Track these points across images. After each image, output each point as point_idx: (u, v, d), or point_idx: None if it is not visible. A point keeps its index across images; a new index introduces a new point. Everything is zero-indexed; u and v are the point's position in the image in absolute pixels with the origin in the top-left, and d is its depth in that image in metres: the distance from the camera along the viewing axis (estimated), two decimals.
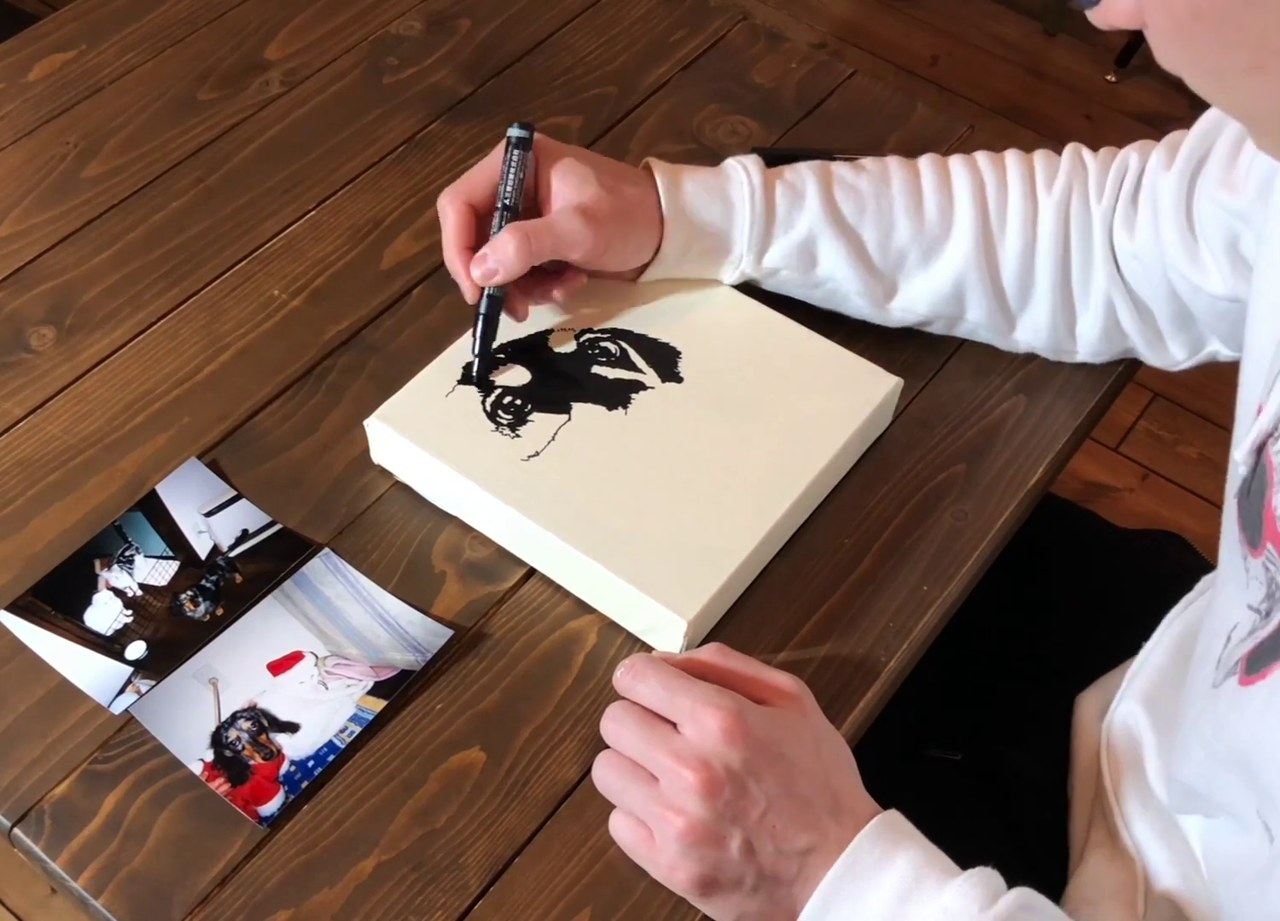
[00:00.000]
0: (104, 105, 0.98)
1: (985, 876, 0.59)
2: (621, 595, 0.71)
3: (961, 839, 0.61)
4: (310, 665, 0.71)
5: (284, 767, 0.67)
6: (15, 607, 0.72)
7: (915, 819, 0.62)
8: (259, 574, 0.74)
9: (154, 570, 0.74)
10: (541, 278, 0.79)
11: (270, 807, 0.66)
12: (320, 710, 0.69)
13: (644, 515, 0.72)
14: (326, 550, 0.75)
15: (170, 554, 0.75)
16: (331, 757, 0.68)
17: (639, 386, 0.78)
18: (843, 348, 0.81)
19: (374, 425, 0.76)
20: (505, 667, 0.72)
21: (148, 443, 0.80)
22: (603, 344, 0.80)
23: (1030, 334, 0.82)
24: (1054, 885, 0.75)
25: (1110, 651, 0.83)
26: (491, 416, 0.76)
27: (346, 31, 1.04)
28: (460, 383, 0.77)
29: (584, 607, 0.74)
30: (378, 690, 0.70)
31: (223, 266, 0.89)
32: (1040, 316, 0.81)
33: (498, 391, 0.77)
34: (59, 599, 0.73)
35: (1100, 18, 0.50)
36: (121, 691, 0.69)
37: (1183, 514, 1.77)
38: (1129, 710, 0.77)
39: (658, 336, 0.80)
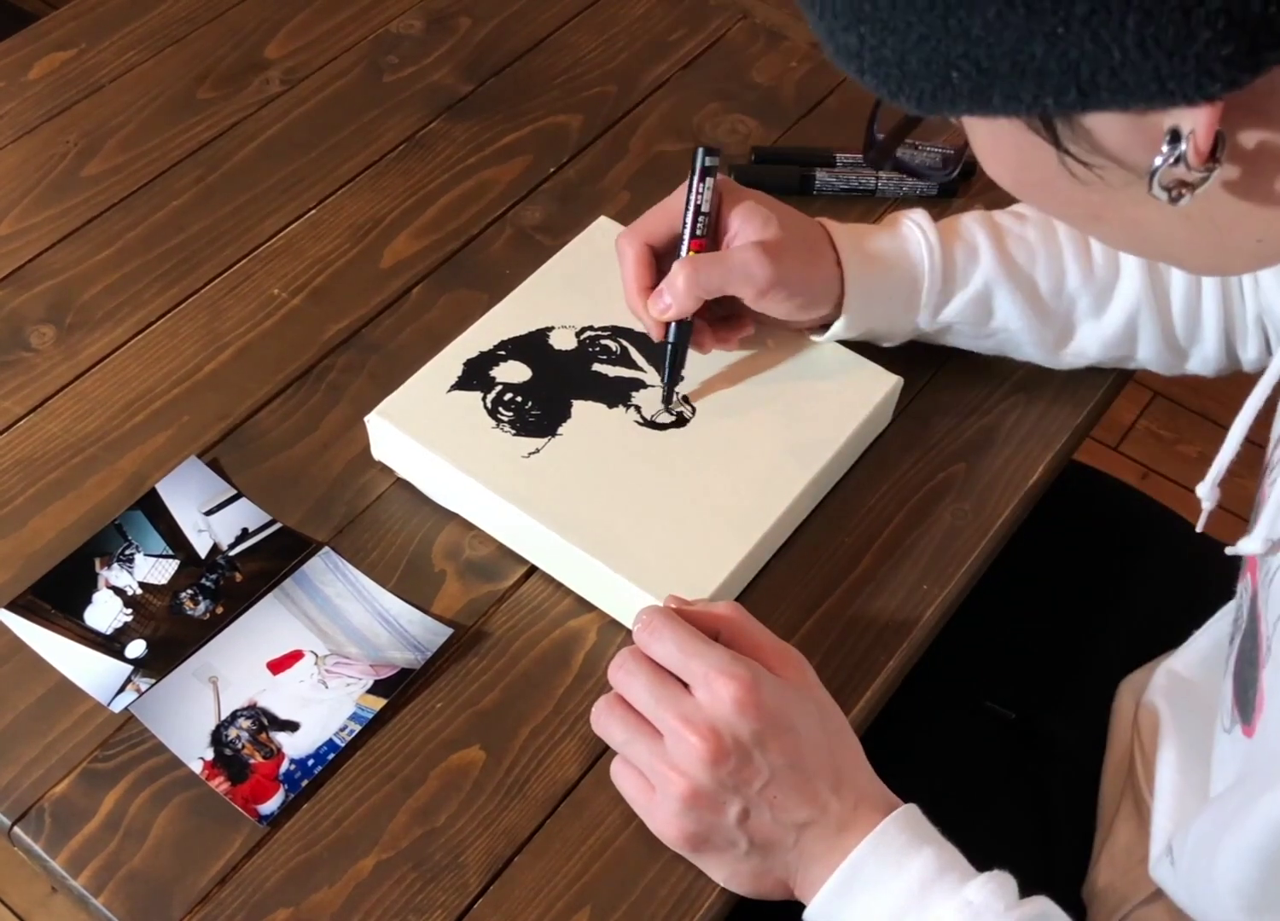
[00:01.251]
0: (104, 104, 0.98)
1: (1005, 878, 0.59)
2: (622, 592, 0.71)
3: (993, 797, 0.62)
4: (310, 664, 0.71)
5: (284, 766, 0.67)
6: (15, 606, 0.72)
7: (952, 767, 0.63)
8: (259, 572, 0.74)
9: (154, 569, 0.74)
10: (727, 318, 0.78)
11: (270, 806, 0.66)
12: (320, 709, 0.69)
13: (644, 512, 0.72)
14: (326, 549, 0.75)
15: (170, 552, 0.75)
16: (331, 756, 0.67)
17: (639, 384, 0.78)
18: (843, 346, 0.81)
19: (375, 421, 0.76)
20: (505, 666, 0.72)
21: (148, 441, 0.80)
22: (603, 341, 0.80)
23: (1199, 365, 0.82)
24: (1074, 854, 0.75)
25: (1164, 636, 0.83)
26: (492, 413, 0.76)
27: (346, 30, 1.04)
28: (661, 408, 0.77)
29: (584, 606, 0.74)
30: (377, 689, 0.70)
31: (223, 265, 0.89)
32: (1209, 348, 0.80)
33: (498, 388, 0.77)
34: (59, 597, 0.73)
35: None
36: (121, 690, 0.69)
37: (1184, 513, 1.77)
38: (1154, 701, 0.77)
39: None
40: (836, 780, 0.61)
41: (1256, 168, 0.42)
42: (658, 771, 0.61)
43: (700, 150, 0.75)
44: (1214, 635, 0.79)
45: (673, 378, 0.76)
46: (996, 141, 0.46)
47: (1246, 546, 0.61)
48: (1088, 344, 0.80)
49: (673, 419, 0.77)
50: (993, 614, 0.88)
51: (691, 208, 0.75)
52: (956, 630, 0.77)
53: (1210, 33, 0.35)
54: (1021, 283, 0.78)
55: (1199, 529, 0.69)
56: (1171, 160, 0.40)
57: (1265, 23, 0.35)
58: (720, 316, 0.78)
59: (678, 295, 0.74)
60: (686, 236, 0.75)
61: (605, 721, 0.64)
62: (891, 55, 0.40)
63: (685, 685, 0.62)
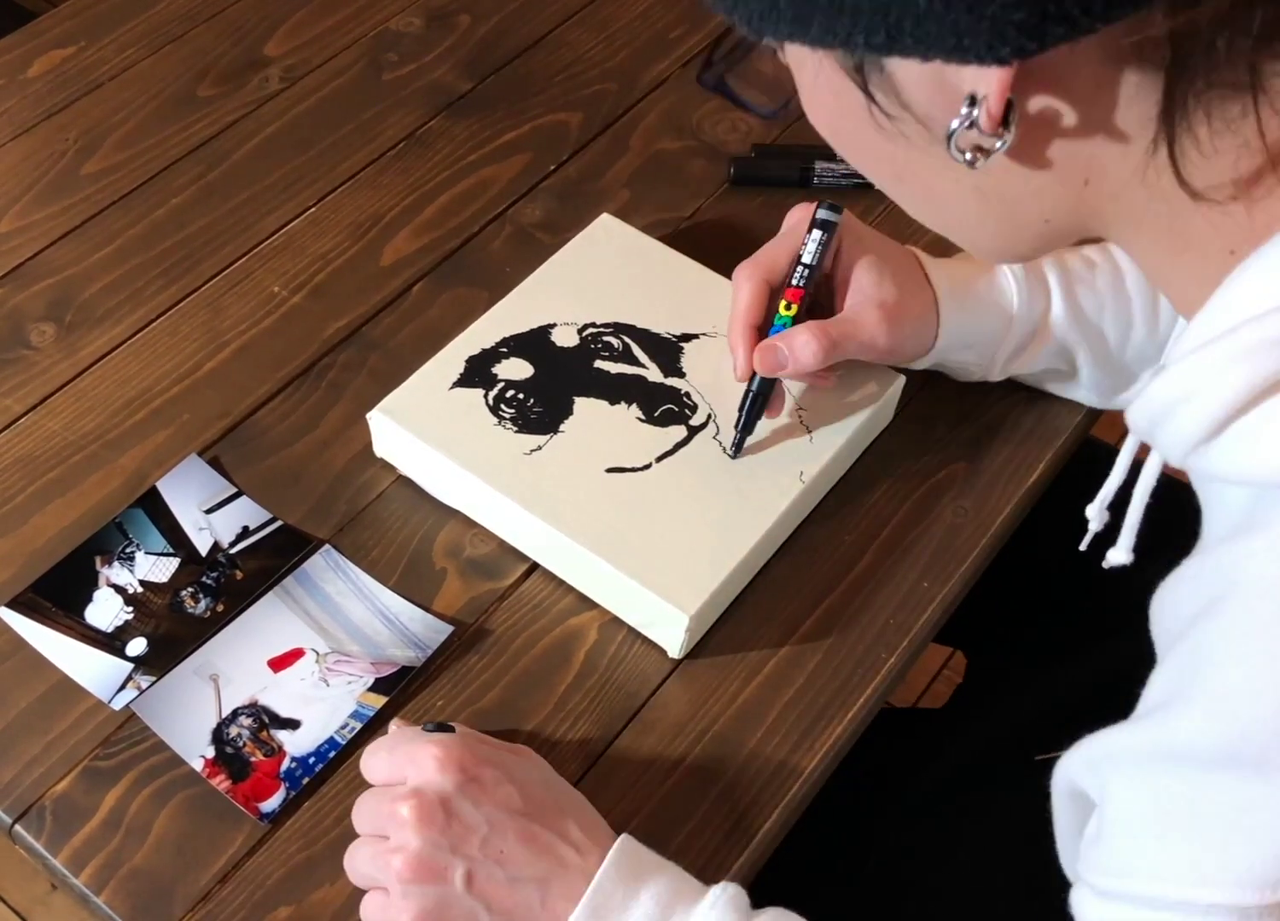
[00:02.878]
0: (104, 101, 0.98)
1: (732, 894, 0.58)
2: (623, 590, 0.71)
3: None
4: (311, 662, 0.71)
5: (285, 764, 0.67)
6: (16, 604, 0.72)
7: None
8: (259, 570, 0.74)
9: (155, 567, 0.74)
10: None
11: (271, 804, 0.66)
12: (321, 707, 0.69)
13: (645, 510, 0.72)
14: (327, 546, 0.75)
15: (171, 551, 0.75)
16: (333, 754, 0.67)
17: (641, 381, 0.78)
18: None
19: (377, 418, 0.76)
20: (506, 664, 0.72)
21: (148, 439, 0.79)
22: (605, 338, 0.80)
23: None
24: None
25: None
26: (494, 410, 0.76)
27: (346, 28, 1.04)
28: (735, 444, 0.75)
29: (585, 604, 0.74)
30: (378, 686, 0.70)
31: (223, 263, 0.89)
32: None
33: (500, 385, 0.77)
34: (60, 595, 0.73)
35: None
36: (122, 688, 0.69)
37: None
38: None
39: (660, 331, 0.80)
40: (570, 835, 0.59)
41: (1041, 137, 0.44)
42: (381, 865, 0.58)
43: (820, 204, 0.74)
44: None
45: (749, 426, 0.75)
46: (815, 81, 0.47)
47: (1116, 557, 0.62)
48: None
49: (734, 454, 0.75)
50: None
51: (796, 258, 0.74)
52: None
53: None
54: (1089, 335, 0.77)
55: (1081, 548, 0.68)
56: (968, 123, 0.42)
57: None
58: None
59: (804, 362, 0.72)
60: (784, 284, 0.74)
61: (351, 862, 0.61)
62: None
63: None
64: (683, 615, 0.69)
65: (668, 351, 0.79)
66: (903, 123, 0.45)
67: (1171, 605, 0.50)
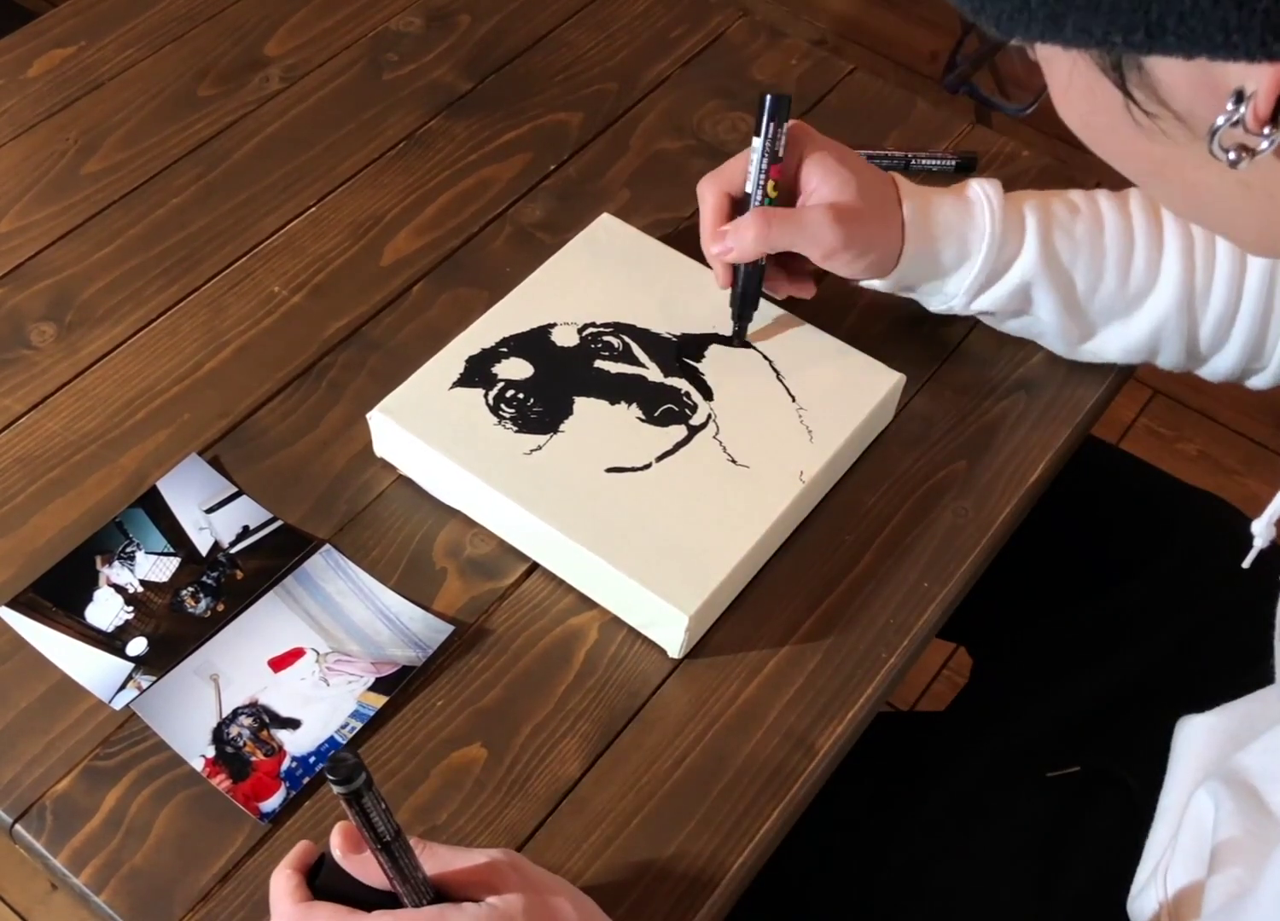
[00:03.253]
0: (104, 101, 0.98)
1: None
2: (623, 590, 0.71)
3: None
4: (311, 661, 0.71)
5: (285, 764, 0.67)
6: (16, 604, 0.72)
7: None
8: (260, 570, 0.74)
9: (155, 566, 0.74)
10: (783, 269, 0.80)
11: (272, 804, 0.66)
12: (321, 706, 0.69)
13: (646, 509, 0.72)
14: (327, 546, 0.75)
15: (171, 550, 0.75)
16: (333, 753, 0.67)
17: (641, 381, 0.78)
18: (845, 344, 0.81)
19: (377, 418, 0.76)
20: (506, 664, 0.72)
21: (148, 439, 0.79)
22: (605, 338, 0.80)
23: (1210, 373, 0.82)
24: None
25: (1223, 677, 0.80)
26: (494, 410, 0.76)
27: (346, 28, 1.04)
28: (730, 335, 0.80)
29: (585, 604, 0.74)
30: (379, 686, 0.70)
31: (223, 263, 0.89)
32: (1227, 361, 0.80)
33: (500, 385, 0.77)
34: (60, 595, 0.73)
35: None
36: (122, 687, 0.69)
37: None
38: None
39: (660, 331, 0.80)
40: None
41: None
42: None
43: (767, 96, 0.76)
44: None
45: (743, 314, 0.79)
46: (1070, 79, 0.45)
47: None
48: (1109, 345, 0.81)
49: (740, 344, 0.79)
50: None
51: (762, 153, 0.76)
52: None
53: None
54: (1058, 280, 0.78)
55: (1245, 565, 0.68)
56: (1233, 121, 0.40)
57: None
58: (784, 263, 0.80)
59: (743, 243, 0.75)
60: (755, 174, 0.76)
61: None
62: None
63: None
64: (683, 615, 0.69)
65: (667, 351, 0.79)
66: (1162, 119, 0.43)
67: None
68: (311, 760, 0.67)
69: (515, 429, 0.75)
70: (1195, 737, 0.74)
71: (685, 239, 0.88)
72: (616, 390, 0.78)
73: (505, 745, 0.69)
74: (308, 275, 0.88)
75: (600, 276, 0.83)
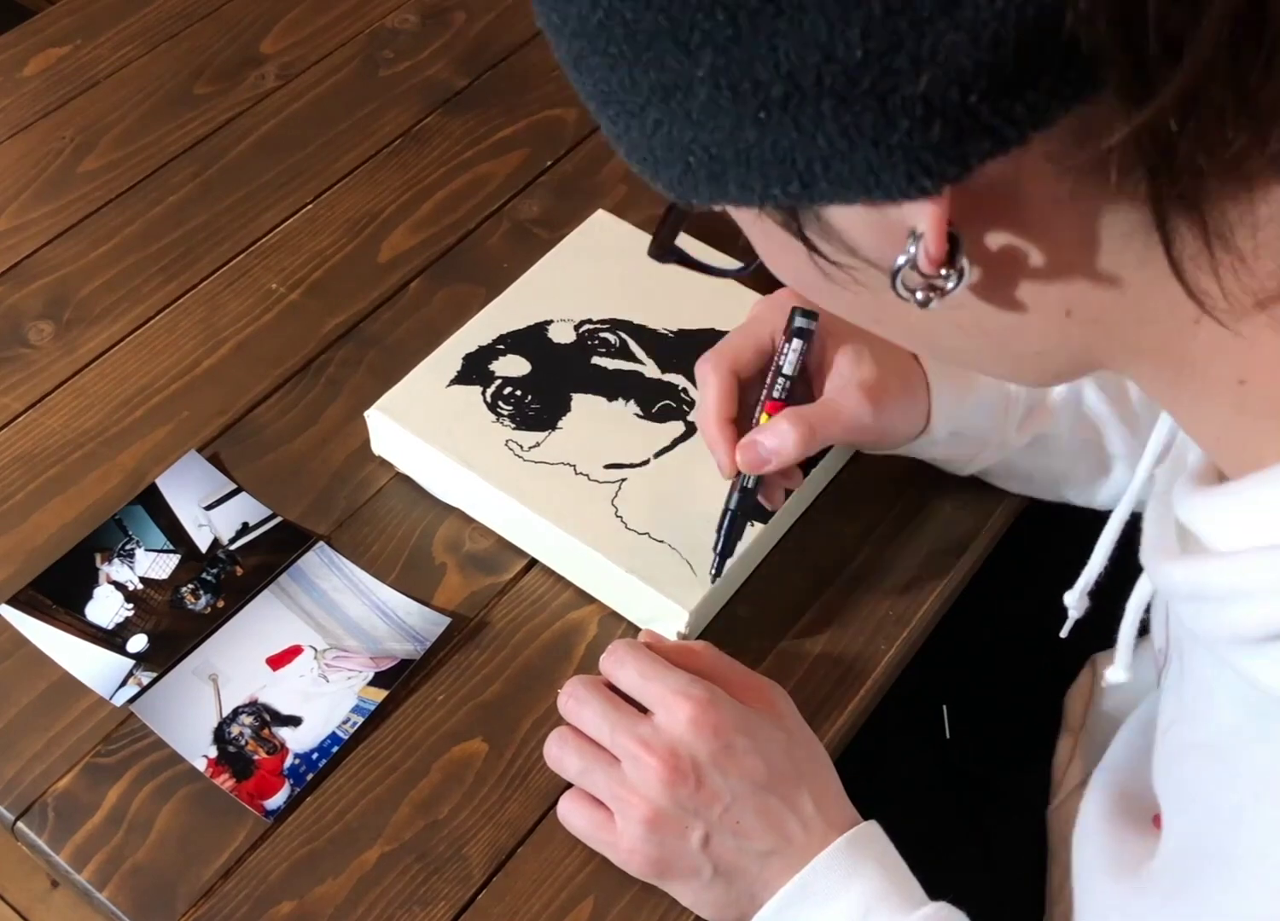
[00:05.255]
0: (100, 100, 0.98)
1: (949, 913, 0.58)
2: (622, 585, 0.71)
3: (945, 850, 0.60)
4: (309, 658, 0.71)
5: (288, 761, 0.67)
6: (16, 601, 0.72)
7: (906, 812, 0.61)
8: (260, 566, 0.74)
9: (155, 563, 0.74)
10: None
11: (276, 801, 0.66)
12: (322, 703, 0.69)
13: (645, 506, 0.73)
14: (321, 543, 0.75)
15: (171, 547, 0.75)
16: (335, 749, 0.68)
17: (639, 377, 0.78)
18: None
19: (375, 416, 0.76)
20: (506, 658, 0.72)
21: (147, 436, 0.80)
22: (602, 334, 0.80)
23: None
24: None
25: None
26: (492, 407, 0.76)
27: (341, 25, 1.04)
28: (712, 573, 0.70)
29: (585, 598, 0.74)
30: (378, 680, 0.70)
31: (220, 260, 0.89)
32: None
33: (497, 382, 0.77)
34: (60, 592, 0.73)
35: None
36: (123, 684, 0.70)
37: None
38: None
39: (657, 327, 0.81)
40: (804, 811, 0.60)
41: (1000, 273, 0.39)
42: (618, 796, 0.61)
43: (795, 311, 0.69)
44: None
45: (729, 546, 0.70)
46: (764, 239, 0.44)
47: (1114, 676, 0.60)
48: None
49: (714, 576, 0.70)
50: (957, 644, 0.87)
51: (774, 368, 0.69)
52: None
53: (909, 121, 0.33)
54: (1107, 383, 0.73)
55: (1062, 635, 0.67)
56: (912, 263, 0.38)
57: (967, 111, 0.32)
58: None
59: (786, 453, 0.67)
60: (764, 397, 0.69)
61: (559, 753, 0.63)
62: (638, 138, 0.38)
63: (643, 711, 0.62)
64: (682, 610, 0.69)
65: (665, 347, 0.80)
66: (855, 269, 0.41)
67: (1178, 772, 0.50)
68: (314, 756, 0.67)
69: (513, 426, 0.75)
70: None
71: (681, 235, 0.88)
72: (614, 386, 0.78)
73: (506, 739, 0.69)
74: (305, 272, 0.88)
75: (597, 273, 0.83)
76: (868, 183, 0.35)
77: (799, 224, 0.40)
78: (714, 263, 0.60)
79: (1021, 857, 0.78)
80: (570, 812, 0.64)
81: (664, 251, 0.58)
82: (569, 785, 0.66)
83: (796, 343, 0.68)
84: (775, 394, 0.69)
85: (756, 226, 0.43)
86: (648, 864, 0.61)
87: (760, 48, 0.33)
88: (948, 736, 0.83)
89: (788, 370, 0.69)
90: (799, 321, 0.68)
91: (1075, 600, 0.64)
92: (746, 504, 0.70)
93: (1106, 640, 0.82)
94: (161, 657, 0.71)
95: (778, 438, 0.67)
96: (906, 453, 0.74)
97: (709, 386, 0.70)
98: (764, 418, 0.69)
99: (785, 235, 0.41)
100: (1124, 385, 0.73)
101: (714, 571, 0.70)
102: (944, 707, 0.84)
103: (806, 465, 0.75)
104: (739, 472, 0.69)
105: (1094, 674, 0.82)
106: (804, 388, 0.71)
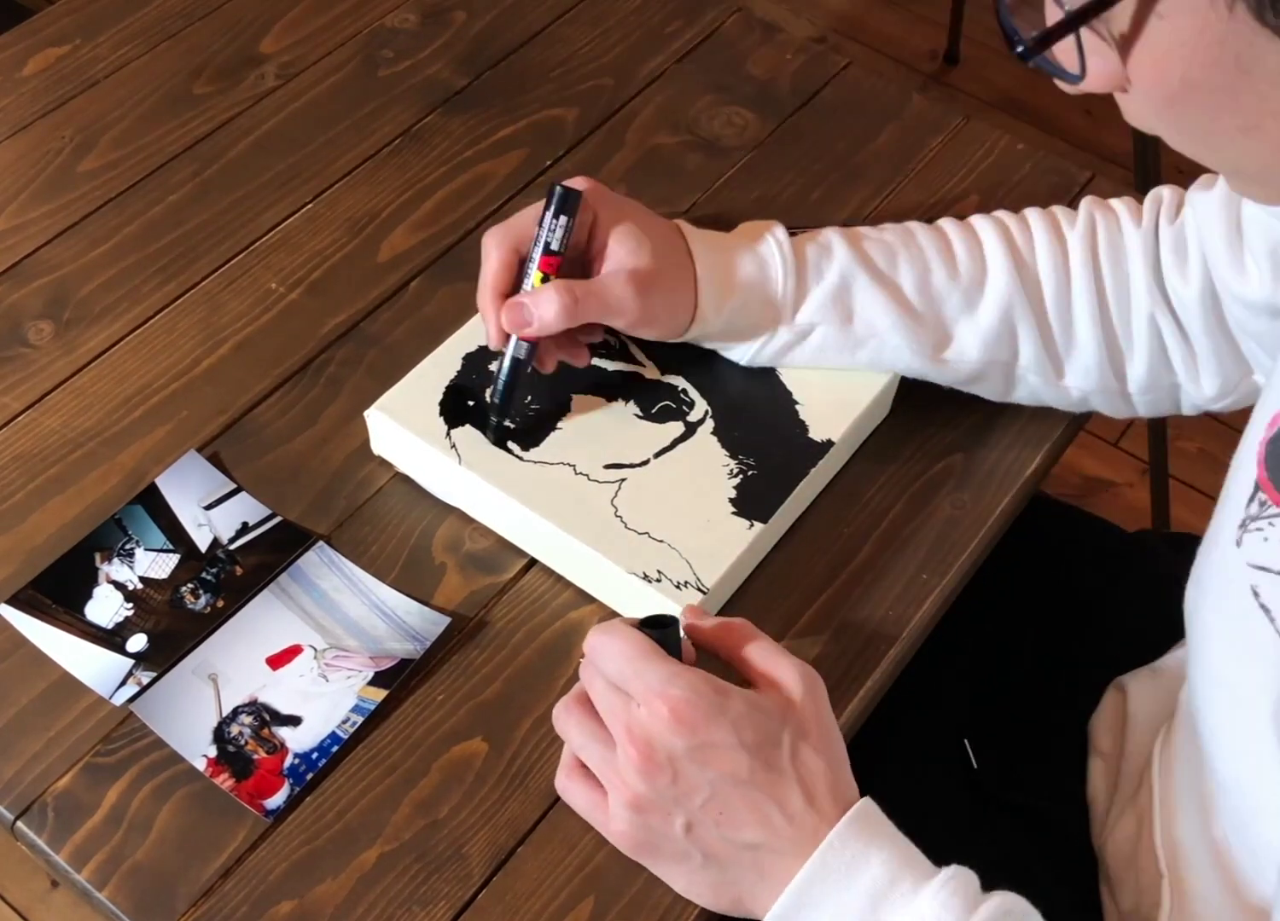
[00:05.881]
0: (100, 99, 0.98)
1: (962, 880, 0.58)
2: (623, 586, 0.71)
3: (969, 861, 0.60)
4: (309, 658, 0.71)
5: (288, 761, 0.67)
6: (16, 601, 0.72)
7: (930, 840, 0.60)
8: (259, 566, 0.74)
9: (154, 563, 0.74)
10: (568, 337, 0.75)
11: (276, 801, 0.66)
12: (321, 702, 0.69)
13: (645, 506, 0.73)
14: (321, 543, 0.75)
15: (170, 547, 0.75)
16: (335, 749, 0.68)
17: (638, 378, 0.78)
18: None
19: (374, 416, 0.76)
20: (506, 658, 0.72)
21: (147, 436, 0.80)
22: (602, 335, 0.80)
23: (1081, 377, 0.79)
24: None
25: (1122, 662, 0.83)
26: (492, 407, 0.76)
27: (341, 24, 1.04)
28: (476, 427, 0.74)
29: (585, 598, 0.74)
30: (378, 680, 0.70)
31: (220, 260, 0.89)
32: (1088, 356, 0.77)
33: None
34: (59, 592, 0.73)
35: (1073, 86, 0.51)
36: (123, 684, 0.70)
37: (1183, 509, 1.77)
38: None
39: None
40: (790, 806, 0.59)
41: None
42: (607, 777, 0.61)
43: (555, 185, 0.72)
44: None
45: (508, 399, 0.74)
46: (1193, 32, 0.46)
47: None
48: (967, 344, 0.77)
49: (493, 439, 0.74)
50: (969, 653, 0.87)
51: (542, 243, 0.72)
52: (939, 666, 0.76)
53: None
54: (880, 278, 0.76)
55: None
56: None
57: None
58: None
59: (547, 319, 0.71)
60: (535, 264, 0.72)
61: (564, 722, 0.63)
62: None
63: None
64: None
65: (664, 348, 0.79)
66: None
67: None
68: (314, 756, 0.67)
69: (513, 426, 0.75)
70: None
71: None
72: (614, 387, 0.78)
73: (506, 739, 0.69)
74: (305, 272, 0.88)
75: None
76: None
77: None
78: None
79: (1066, 886, 0.78)
80: (567, 789, 0.64)
81: (1042, 48, 0.53)
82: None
83: (564, 218, 0.72)
84: (534, 260, 0.72)
85: (1192, 27, 0.45)
86: (635, 845, 0.62)
87: None
88: (974, 766, 0.83)
89: (554, 246, 0.72)
90: (560, 192, 0.71)
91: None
92: (518, 371, 0.73)
93: (1126, 664, 0.83)
94: (161, 657, 0.71)
95: (542, 302, 0.71)
96: (688, 339, 0.77)
97: (489, 258, 0.74)
98: (538, 277, 0.73)
99: (1235, 20, 0.44)
100: (899, 279, 0.76)
101: (492, 429, 0.74)
102: (965, 741, 0.84)
103: (806, 465, 0.75)
104: (509, 342, 0.73)
105: (1124, 698, 0.82)
106: (579, 268, 0.75)
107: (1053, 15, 0.49)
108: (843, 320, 0.76)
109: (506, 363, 0.74)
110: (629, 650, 0.61)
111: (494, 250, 0.74)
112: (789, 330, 0.77)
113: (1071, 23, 0.49)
